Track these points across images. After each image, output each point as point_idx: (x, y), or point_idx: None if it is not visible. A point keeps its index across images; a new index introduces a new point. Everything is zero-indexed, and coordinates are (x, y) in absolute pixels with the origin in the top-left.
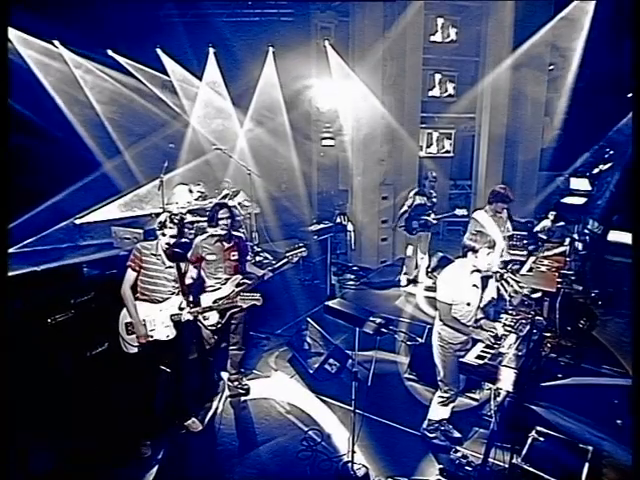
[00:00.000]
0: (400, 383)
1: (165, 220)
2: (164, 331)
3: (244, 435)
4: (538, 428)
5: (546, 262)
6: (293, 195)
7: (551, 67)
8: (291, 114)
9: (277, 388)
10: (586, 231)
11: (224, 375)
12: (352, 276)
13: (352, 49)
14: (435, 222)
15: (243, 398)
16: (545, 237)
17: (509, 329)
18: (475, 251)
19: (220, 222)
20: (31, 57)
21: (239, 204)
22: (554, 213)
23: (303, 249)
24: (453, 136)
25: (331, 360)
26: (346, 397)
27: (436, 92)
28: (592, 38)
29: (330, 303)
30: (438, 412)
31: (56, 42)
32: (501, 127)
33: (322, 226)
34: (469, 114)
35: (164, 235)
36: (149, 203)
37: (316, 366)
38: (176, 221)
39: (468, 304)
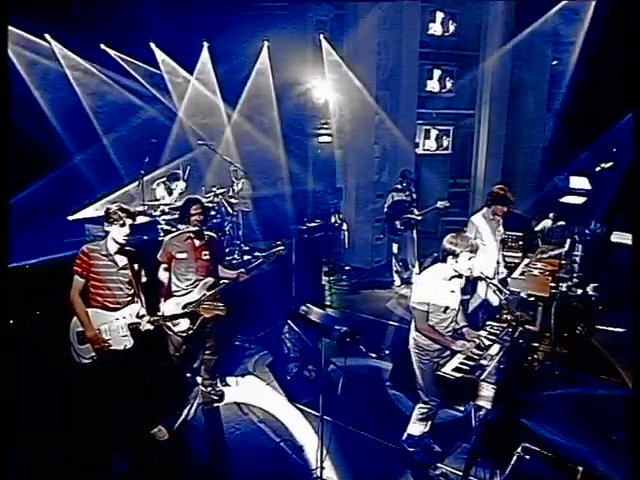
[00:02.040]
0: (383, 391)
1: (117, 211)
2: (121, 341)
3: (212, 445)
4: (524, 444)
5: (539, 265)
6: (286, 192)
7: (555, 62)
8: (285, 109)
9: (253, 394)
10: (587, 232)
11: (199, 380)
12: (344, 276)
13: (347, 42)
14: (419, 218)
15: (216, 405)
16: (545, 237)
17: (493, 338)
18: (455, 255)
19: (192, 218)
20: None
21: (226, 201)
22: (554, 213)
23: (281, 247)
24: (451, 133)
25: (310, 366)
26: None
27: (435, 87)
28: (596, 31)
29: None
30: (418, 427)
31: (47, 36)
32: (501, 124)
33: (314, 224)
34: (468, 110)
35: (123, 225)
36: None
37: (294, 372)
38: (131, 211)
39: (445, 310)
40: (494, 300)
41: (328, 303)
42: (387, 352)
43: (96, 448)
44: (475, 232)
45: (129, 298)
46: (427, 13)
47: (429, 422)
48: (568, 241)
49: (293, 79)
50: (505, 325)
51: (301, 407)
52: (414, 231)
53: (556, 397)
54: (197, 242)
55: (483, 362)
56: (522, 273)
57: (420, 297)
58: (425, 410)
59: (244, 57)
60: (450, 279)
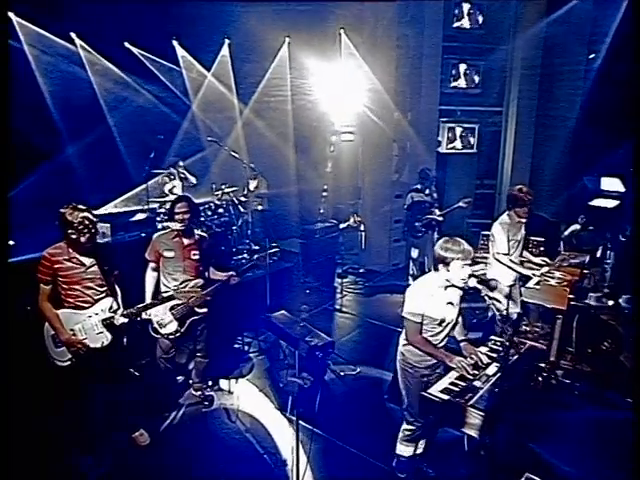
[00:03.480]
0: (380, 405)
1: (84, 221)
2: (97, 338)
3: (194, 453)
4: (528, 475)
5: (557, 275)
6: (302, 192)
7: (591, 55)
8: (302, 107)
9: (244, 401)
10: (621, 238)
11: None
12: (358, 279)
13: (367, 37)
14: (441, 219)
15: (204, 410)
16: (572, 243)
17: (494, 356)
18: (446, 263)
19: (176, 217)
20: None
21: (237, 199)
22: (583, 217)
23: (276, 250)
24: (477, 131)
25: (305, 374)
26: (315, 415)
27: (460, 83)
28: (633, 22)
29: (272, 315)
30: (405, 448)
31: (72, 34)
32: (530, 122)
33: (327, 225)
34: (495, 107)
35: (91, 235)
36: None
37: (288, 379)
38: (95, 222)
39: (441, 323)
40: (512, 311)
41: (338, 307)
42: (358, 371)
43: (73, 451)
44: (495, 240)
45: (102, 294)
46: (452, 5)
47: (419, 444)
48: (600, 248)
49: (312, 76)
50: (509, 341)
51: (291, 417)
52: (435, 233)
53: (573, 420)
54: (186, 241)
55: (477, 383)
56: (538, 283)
57: (413, 307)
58: (409, 432)
59: (263, 53)
60: (446, 289)
